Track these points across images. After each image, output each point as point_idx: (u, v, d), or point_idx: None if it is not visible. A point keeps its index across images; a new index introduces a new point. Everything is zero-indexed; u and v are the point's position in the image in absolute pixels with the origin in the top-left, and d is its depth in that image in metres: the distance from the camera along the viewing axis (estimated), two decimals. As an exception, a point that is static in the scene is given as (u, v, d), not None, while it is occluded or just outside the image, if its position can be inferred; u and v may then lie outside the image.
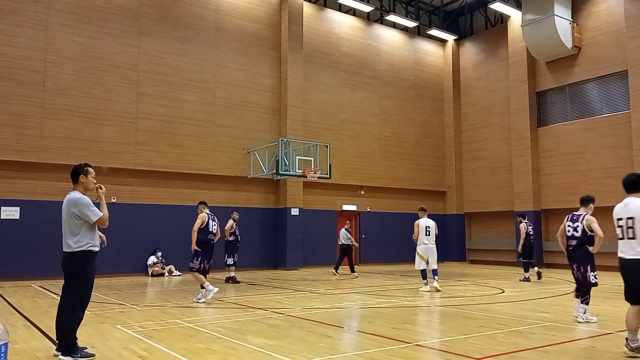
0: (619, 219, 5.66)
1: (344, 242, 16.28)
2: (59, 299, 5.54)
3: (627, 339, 5.56)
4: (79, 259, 5.42)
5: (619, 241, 5.62)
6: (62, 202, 5.66)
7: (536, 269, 14.83)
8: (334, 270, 16.34)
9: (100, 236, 6.01)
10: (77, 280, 5.42)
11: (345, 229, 16.49)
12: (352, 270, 16.02)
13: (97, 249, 5.69)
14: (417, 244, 12.02)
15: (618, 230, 5.64)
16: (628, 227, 5.53)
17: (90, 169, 5.71)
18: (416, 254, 12.04)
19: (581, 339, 6.30)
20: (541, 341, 6.22)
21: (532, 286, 13.24)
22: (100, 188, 5.73)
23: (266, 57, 19.70)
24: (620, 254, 5.61)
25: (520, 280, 14.47)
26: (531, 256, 14.66)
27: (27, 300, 10.11)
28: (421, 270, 11.98)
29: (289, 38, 19.72)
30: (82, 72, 15.88)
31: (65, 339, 5.30)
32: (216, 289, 9.93)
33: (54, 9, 15.62)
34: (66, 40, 15.71)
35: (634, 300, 5.55)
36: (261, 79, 19.51)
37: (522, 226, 14.77)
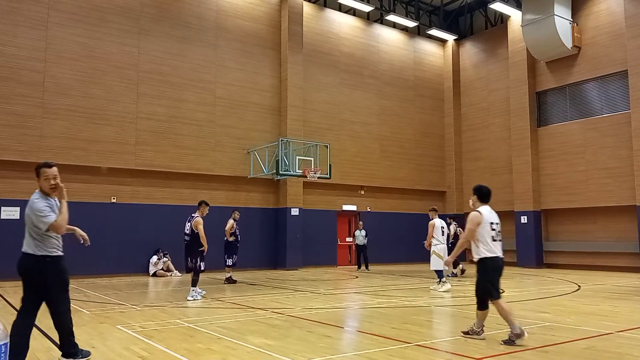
0: (492, 223, 6.27)
1: (361, 243, 18.56)
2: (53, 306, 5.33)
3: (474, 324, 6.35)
4: (45, 264, 5.09)
5: (494, 243, 6.23)
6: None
7: (461, 265, 15.91)
8: (364, 268, 18.50)
9: (81, 235, 5.52)
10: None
11: (360, 230, 18.68)
12: (367, 267, 18.44)
13: (61, 252, 5.17)
14: (434, 243, 12.01)
15: (493, 233, 6.23)
16: (498, 231, 6.29)
17: (44, 169, 4.96)
18: (434, 254, 11.99)
19: (581, 339, 6.30)
20: (541, 341, 6.22)
21: (532, 286, 13.24)
22: (55, 187, 5.00)
23: (266, 57, 19.70)
24: (499, 254, 6.24)
25: (448, 276, 15.38)
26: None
27: (27, 300, 10.09)
28: (439, 270, 11.91)
29: (289, 38, 19.73)
30: (82, 72, 15.88)
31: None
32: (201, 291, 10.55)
33: (54, 9, 15.62)
34: (66, 40, 15.71)
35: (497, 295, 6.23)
36: (261, 78, 19.51)
37: (452, 227, 16.08)
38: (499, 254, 6.24)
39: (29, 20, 15.22)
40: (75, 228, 5.45)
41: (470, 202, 6.64)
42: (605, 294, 11.36)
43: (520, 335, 5.88)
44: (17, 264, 5.19)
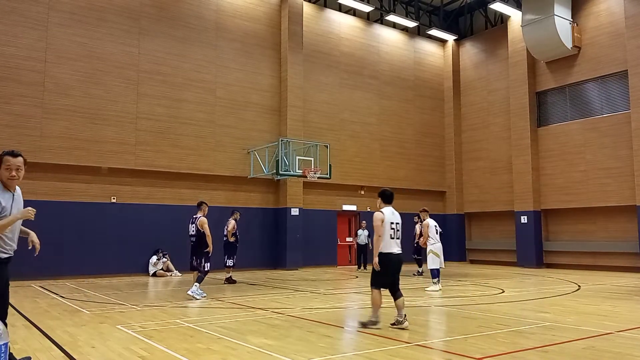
0: (392, 223, 7.07)
1: (362, 243, 18.58)
2: None
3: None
4: None
5: (391, 240, 7.04)
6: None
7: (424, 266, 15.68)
8: (363, 268, 18.61)
9: (32, 241, 4.72)
10: None
11: (363, 229, 18.80)
12: (365, 267, 18.51)
13: (5, 255, 4.47)
14: (431, 242, 12.07)
15: (391, 232, 7.03)
16: (397, 230, 7.11)
17: (7, 157, 4.45)
18: (431, 253, 12.03)
19: (581, 339, 6.30)
20: (541, 341, 6.22)
21: (532, 286, 13.25)
22: (13, 180, 4.45)
23: (266, 57, 19.70)
24: (393, 250, 7.05)
25: (413, 274, 16.29)
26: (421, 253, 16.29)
27: (27, 300, 10.11)
28: (436, 269, 11.99)
29: (289, 38, 19.73)
30: (82, 72, 15.88)
31: None
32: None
33: (54, 9, 15.62)
34: (66, 40, 15.71)
35: (388, 285, 7.11)
36: (261, 79, 19.51)
37: (417, 227, 16.30)
38: (394, 250, 7.05)
39: (29, 20, 15.22)
40: (30, 232, 4.77)
41: (377, 203, 7.40)
42: (605, 294, 11.36)
43: (375, 323, 6.92)
44: None
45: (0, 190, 4.42)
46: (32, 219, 4.44)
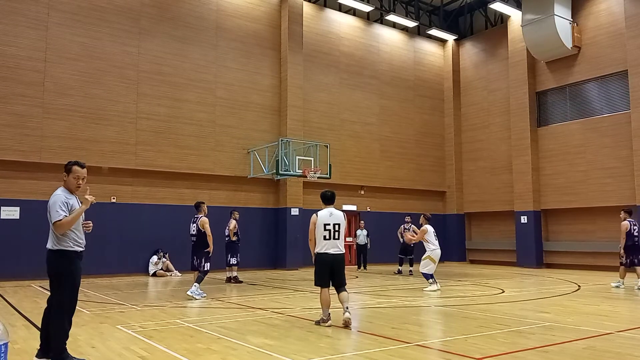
0: (326, 225, 7.23)
1: (362, 242, 18.58)
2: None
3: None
4: (58, 259, 5.05)
5: (325, 241, 7.22)
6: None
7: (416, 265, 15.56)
8: (362, 268, 18.66)
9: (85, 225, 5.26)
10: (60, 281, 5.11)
11: (362, 229, 18.76)
12: (364, 267, 18.63)
13: (80, 249, 5.18)
14: (431, 248, 11.98)
15: (325, 233, 7.22)
16: (334, 231, 7.26)
17: (77, 168, 5.17)
18: (428, 259, 11.94)
19: (581, 339, 6.30)
20: (541, 341, 6.22)
21: (532, 286, 13.25)
22: (79, 188, 5.21)
23: (266, 57, 19.70)
24: (327, 250, 7.21)
25: (394, 273, 16.77)
26: (407, 253, 17.02)
27: (27, 300, 10.11)
28: (427, 274, 11.95)
29: (289, 38, 19.73)
30: (82, 72, 15.88)
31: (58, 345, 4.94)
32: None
33: (54, 9, 15.62)
34: (66, 40, 15.71)
35: (330, 284, 7.33)
36: (261, 79, 19.51)
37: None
38: (329, 250, 7.22)
39: (29, 20, 15.22)
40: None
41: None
42: (605, 294, 11.36)
43: (325, 321, 7.18)
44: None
45: (67, 194, 5.17)
46: (94, 202, 5.18)
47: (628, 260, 12.44)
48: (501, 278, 15.50)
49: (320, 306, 7.41)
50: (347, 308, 7.13)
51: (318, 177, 18.10)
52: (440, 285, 12.05)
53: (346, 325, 7.00)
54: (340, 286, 7.28)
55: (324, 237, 7.23)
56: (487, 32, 23.92)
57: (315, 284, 7.38)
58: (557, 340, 6.23)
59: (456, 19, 25.09)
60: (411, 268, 16.59)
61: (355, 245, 20.12)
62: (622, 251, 12.59)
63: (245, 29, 19.27)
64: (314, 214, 7.39)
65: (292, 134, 19.16)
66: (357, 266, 19.41)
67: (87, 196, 5.09)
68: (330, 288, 7.33)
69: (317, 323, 7.29)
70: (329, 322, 7.18)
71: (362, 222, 19.45)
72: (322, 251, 7.25)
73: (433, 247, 11.98)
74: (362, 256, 18.81)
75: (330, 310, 7.29)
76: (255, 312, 8.55)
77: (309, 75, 20.52)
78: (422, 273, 12.04)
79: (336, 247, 7.27)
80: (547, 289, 12.52)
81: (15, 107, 14.80)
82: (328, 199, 7.57)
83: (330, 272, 7.25)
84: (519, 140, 21.46)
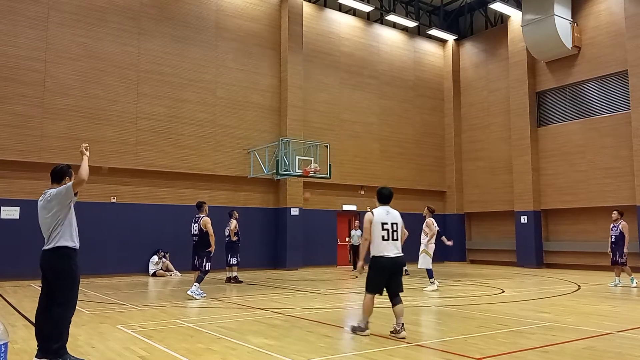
0: (384, 224, 6.56)
1: (357, 243, 18.11)
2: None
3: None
4: (73, 256, 5.35)
5: (384, 242, 6.50)
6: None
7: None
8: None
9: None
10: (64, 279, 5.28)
11: (356, 230, 18.42)
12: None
13: (77, 245, 5.59)
14: (430, 243, 11.97)
15: (384, 233, 6.52)
16: (393, 231, 6.58)
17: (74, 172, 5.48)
18: (425, 253, 11.94)
19: (581, 339, 6.30)
20: (541, 341, 6.22)
21: (532, 286, 13.25)
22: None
23: (266, 57, 19.70)
24: (386, 254, 6.49)
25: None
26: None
27: (27, 300, 10.10)
28: (429, 269, 11.95)
29: (289, 38, 19.72)
30: (82, 72, 15.88)
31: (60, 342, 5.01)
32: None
33: (54, 9, 15.62)
34: (66, 40, 15.71)
35: (383, 291, 6.58)
36: (261, 79, 19.51)
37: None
38: (387, 253, 6.49)
39: (29, 20, 15.21)
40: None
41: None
42: (605, 294, 11.37)
43: (363, 330, 6.48)
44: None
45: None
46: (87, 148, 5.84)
47: (618, 259, 12.77)
48: (501, 278, 15.50)
49: (362, 313, 6.64)
50: (402, 325, 6.38)
51: (318, 177, 18.13)
52: (440, 286, 12.06)
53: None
54: (395, 295, 6.51)
55: (382, 237, 6.50)
56: (487, 32, 23.92)
57: (367, 290, 6.55)
58: (557, 340, 6.23)
59: (456, 19, 25.09)
60: (406, 267, 16.42)
61: (349, 246, 20.18)
62: (609, 250, 12.97)
63: (245, 29, 19.27)
64: (369, 212, 6.71)
65: (292, 134, 19.16)
66: (353, 267, 19.41)
67: (81, 150, 5.69)
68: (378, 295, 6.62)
69: (354, 331, 6.60)
70: (367, 331, 6.48)
71: (357, 222, 19.45)
72: (380, 254, 6.48)
73: (430, 242, 11.92)
74: (357, 257, 18.80)
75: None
76: (255, 312, 8.55)
77: (309, 75, 20.52)
78: (426, 270, 12.01)
79: (396, 249, 6.57)
80: (547, 289, 12.52)
81: (15, 107, 14.80)
82: (385, 197, 6.84)
83: (387, 278, 6.51)
84: (519, 140, 21.46)
